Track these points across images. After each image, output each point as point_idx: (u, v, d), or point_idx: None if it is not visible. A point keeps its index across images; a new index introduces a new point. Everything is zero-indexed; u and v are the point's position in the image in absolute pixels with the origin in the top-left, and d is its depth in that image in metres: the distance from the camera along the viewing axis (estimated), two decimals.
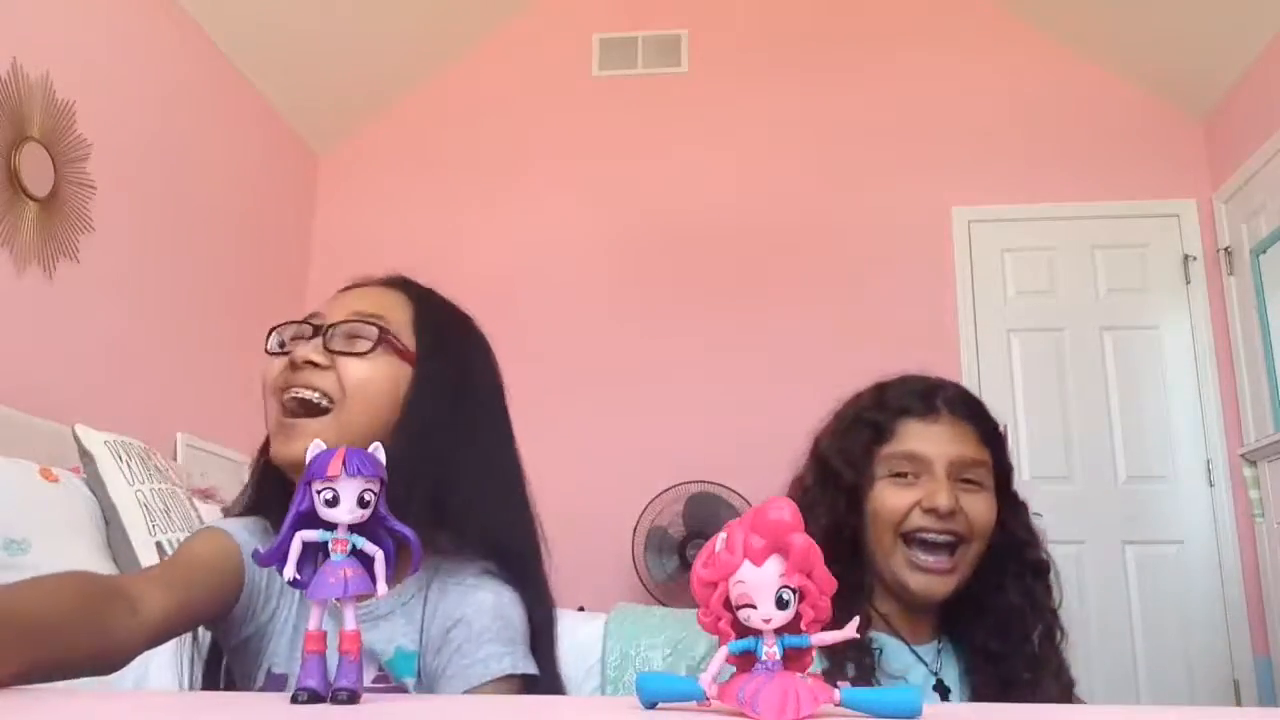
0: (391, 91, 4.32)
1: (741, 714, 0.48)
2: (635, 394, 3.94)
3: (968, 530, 1.06)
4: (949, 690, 1.10)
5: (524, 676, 0.87)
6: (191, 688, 0.96)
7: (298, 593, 0.57)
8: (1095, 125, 4.01)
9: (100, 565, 2.08)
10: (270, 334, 0.97)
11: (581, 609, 2.46)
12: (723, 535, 0.51)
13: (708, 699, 0.50)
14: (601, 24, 4.35)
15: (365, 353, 0.92)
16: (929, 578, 1.06)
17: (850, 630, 0.52)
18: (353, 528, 0.57)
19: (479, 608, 0.89)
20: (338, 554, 0.57)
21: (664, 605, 3.16)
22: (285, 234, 4.10)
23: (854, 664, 1.01)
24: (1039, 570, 1.12)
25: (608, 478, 3.75)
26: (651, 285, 4.07)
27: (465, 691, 0.84)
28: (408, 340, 0.95)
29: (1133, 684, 3.46)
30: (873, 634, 1.08)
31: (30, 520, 1.97)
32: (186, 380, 3.27)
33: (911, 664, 1.11)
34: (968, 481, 1.08)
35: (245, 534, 0.89)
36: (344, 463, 0.56)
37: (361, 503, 0.57)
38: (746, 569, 0.48)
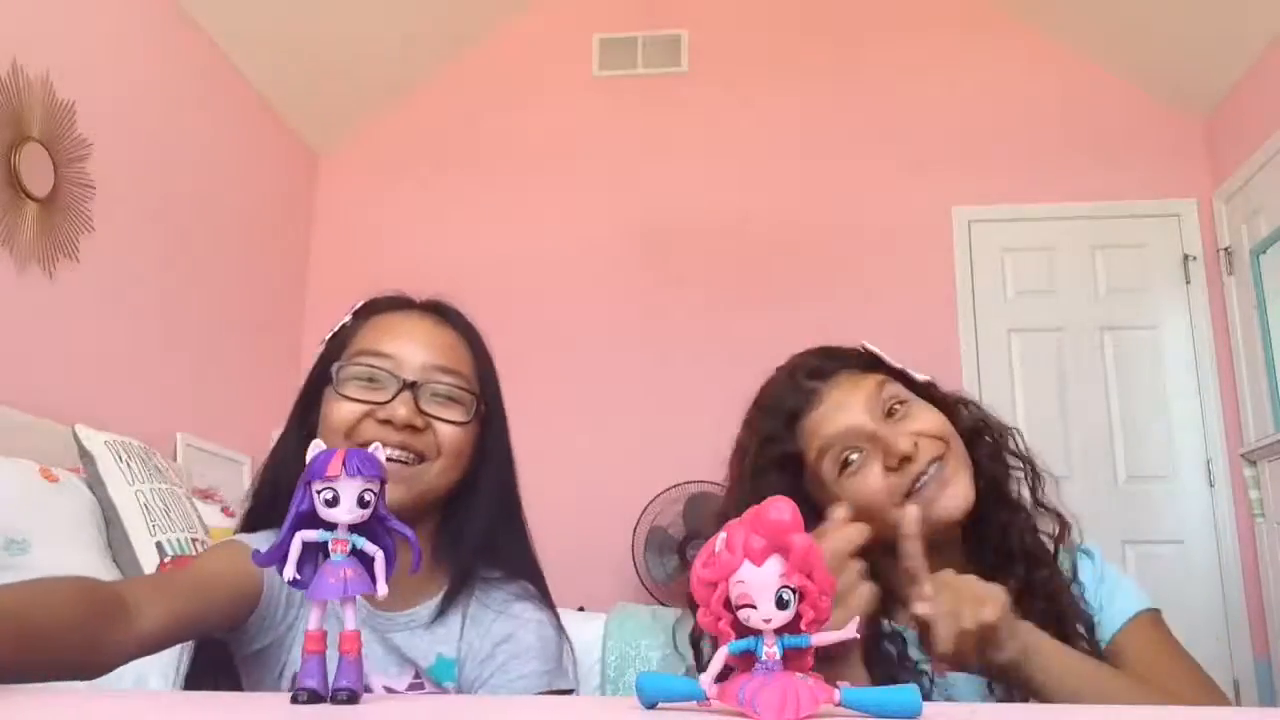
0: (391, 91, 4.32)
1: (741, 714, 0.48)
2: (635, 394, 3.94)
3: (938, 446, 0.95)
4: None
5: (559, 691, 0.95)
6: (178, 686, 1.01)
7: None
8: (1095, 125, 4.00)
9: (100, 565, 2.08)
10: (332, 369, 0.98)
11: (581, 609, 2.46)
12: (723, 535, 0.51)
13: (708, 699, 0.50)
14: (601, 24, 4.35)
15: (465, 422, 0.98)
16: (946, 493, 0.93)
17: (850, 630, 0.52)
18: (353, 528, 0.57)
19: (524, 628, 0.97)
20: (338, 554, 0.57)
21: (664, 605, 3.16)
22: (285, 234, 4.10)
23: (877, 653, 0.91)
24: (994, 454, 1.02)
25: (608, 478, 3.75)
26: (651, 285, 4.07)
27: None
28: (475, 391, 1.01)
29: None
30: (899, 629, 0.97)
31: (30, 520, 1.97)
32: (186, 380, 3.27)
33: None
34: (892, 412, 0.97)
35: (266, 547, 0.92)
36: (344, 463, 0.56)
37: (361, 503, 0.57)
38: (746, 569, 0.48)
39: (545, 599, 1.03)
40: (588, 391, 3.96)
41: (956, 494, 0.94)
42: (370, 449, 0.58)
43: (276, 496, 0.98)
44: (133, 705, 0.60)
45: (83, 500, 2.18)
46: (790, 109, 4.18)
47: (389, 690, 0.95)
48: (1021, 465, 1.04)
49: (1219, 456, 3.68)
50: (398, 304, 1.05)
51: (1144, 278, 3.90)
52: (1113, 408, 3.78)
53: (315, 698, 0.55)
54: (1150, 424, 3.75)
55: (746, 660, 0.50)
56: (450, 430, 0.96)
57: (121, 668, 0.74)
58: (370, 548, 0.58)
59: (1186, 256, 3.86)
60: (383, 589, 0.57)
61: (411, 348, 0.98)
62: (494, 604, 0.99)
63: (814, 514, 0.94)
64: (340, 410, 0.96)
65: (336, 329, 1.05)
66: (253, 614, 0.91)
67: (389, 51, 4.11)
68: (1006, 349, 3.90)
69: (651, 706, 0.52)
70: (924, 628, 0.81)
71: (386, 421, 0.94)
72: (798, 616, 0.49)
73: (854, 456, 0.96)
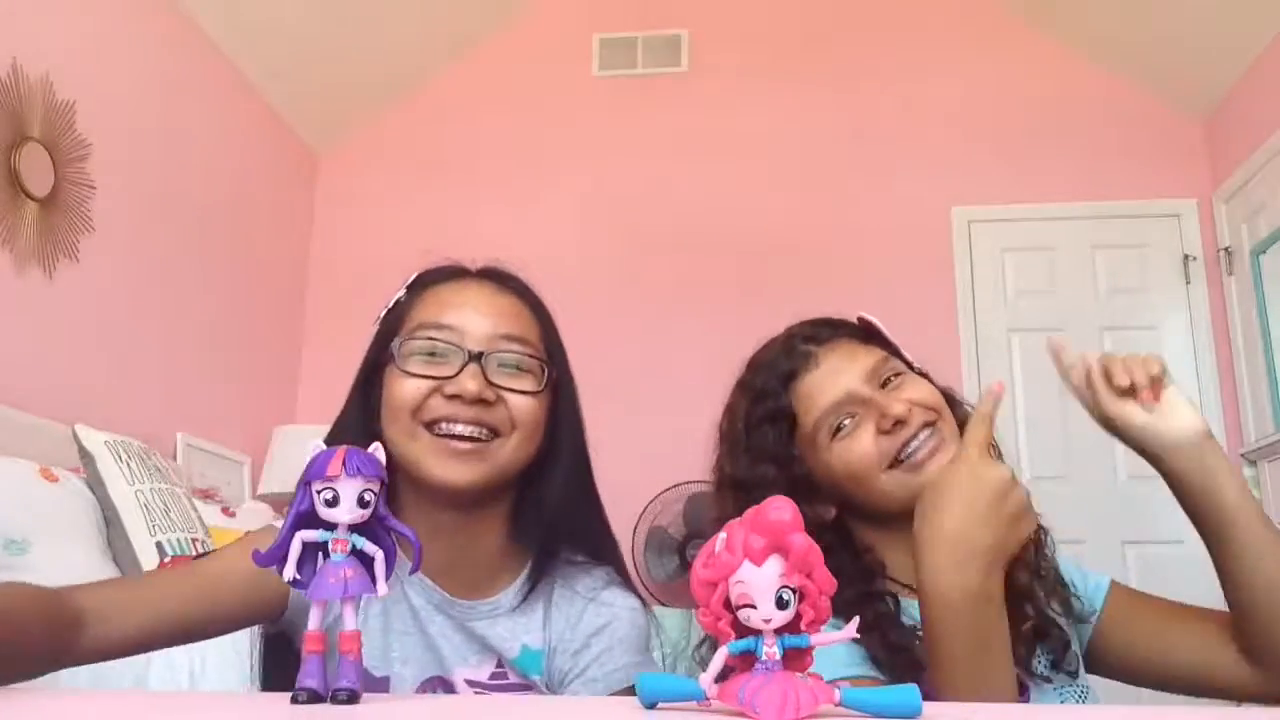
0: (391, 91, 4.32)
1: (741, 714, 0.48)
2: (635, 394, 3.94)
3: (931, 415, 0.95)
4: None
5: None
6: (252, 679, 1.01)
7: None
8: (1095, 125, 4.00)
9: (100, 565, 2.08)
10: (392, 346, 0.93)
11: None
12: (723, 535, 0.51)
13: (708, 699, 0.50)
14: (601, 24, 4.35)
15: (537, 392, 0.93)
16: (934, 460, 0.92)
17: (850, 630, 0.52)
18: (353, 528, 0.57)
19: (618, 618, 0.94)
20: (338, 554, 0.57)
21: (664, 605, 3.16)
22: (285, 234, 4.10)
23: (871, 612, 0.90)
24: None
25: (607, 478, 3.72)
26: (651, 284, 4.07)
27: (606, 694, 0.89)
28: (544, 359, 0.97)
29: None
30: (903, 604, 0.95)
31: (30, 520, 1.97)
32: (186, 380, 3.27)
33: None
34: (886, 382, 0.97)
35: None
36: (344, 463, 0.56)
37: (361, 503, 0.57)
38: (746, 569, 0.48)
39: (630, 582, 1.00)
40: (587, 391, 3.92)
41: (944, 461, 0.93)
42: (370, 449, 0.58)
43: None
44: (133, 705, 0.60)
45: (83, 500, 2.18)
46: (790, 109, 4.18)
47: (470, 683, 0.92)
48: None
49: None
50: (453, 273, 1.00)
51: (1144, 278, 3.90)
52: None
53: (315, 698, 0.55)
54: None
55: (746, 660, 0.50)
56: (523, 401, 0.92)
57: (127, 667, 0.74)
58: (370, 548, 0.58)
59: (1186, 256, 3.86)
60: (383, 589, 0.57)
61: (474, 317, 0.93)
62: (582, 590, 0.96)
63: (805, 477, 0.97)
64: (405, 387, 0.90)
65: (391, 304, 0.99)
66: (287, 608, 0.90)
67: (389, 51, 4.11)
68: (1007, 349, 3.90)
69: (651, 706, 0.52)
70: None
71: (455, 396, 0.89)
72: (798, 616, 0.49)
73: (846, 422, 0.95)
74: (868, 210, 4.05)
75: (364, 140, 4.37)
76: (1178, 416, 0.92)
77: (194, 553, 2.19)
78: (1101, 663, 1.02)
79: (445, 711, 0.60)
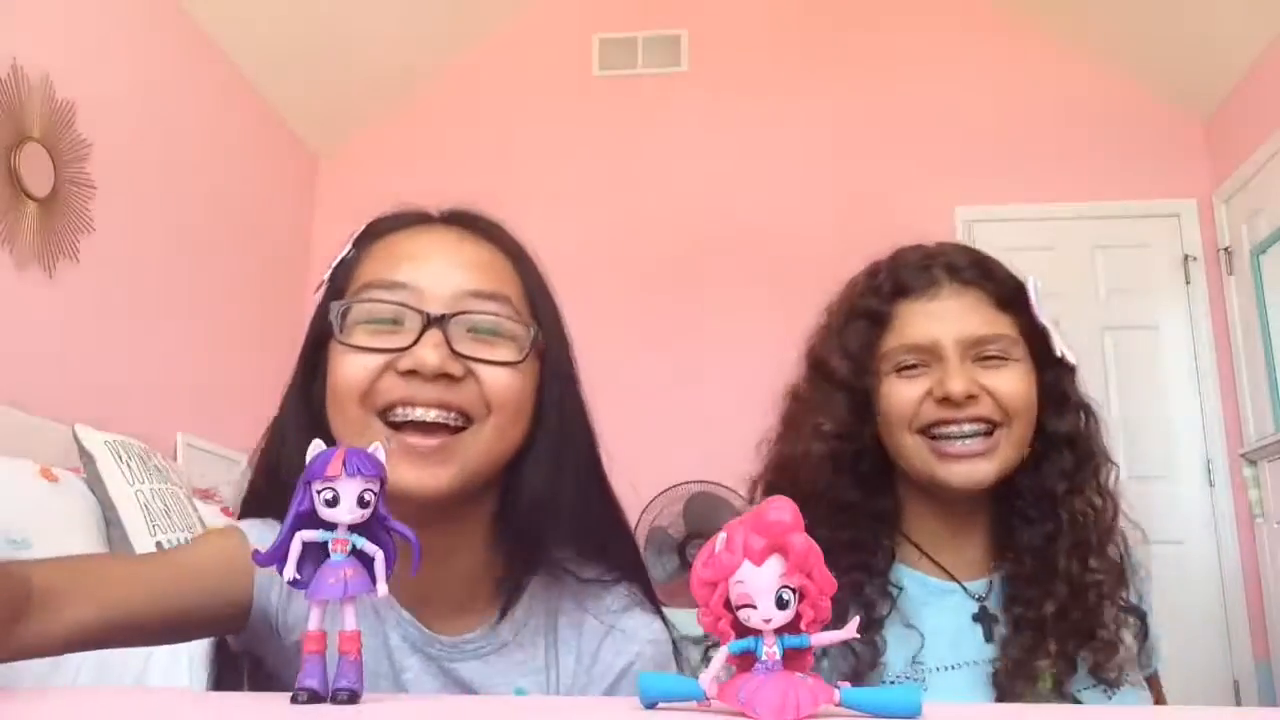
0: (391, 92, 4.32)
1: (741, 714, 0.48)
2: (635, 394, 3.93)
3: (998, 414, 0.90)
4: (996, 619, 0.94)
5: None
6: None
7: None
8: (1095, 125, 4.00)
9: None
10: (334, 311, 0.74)
11: None
12: (723, 535, 0.50)
13: (708, 699, 0.50)
14: (601, 24, 4.35)
15: (518, 362, 0.74)
16: (964, 465, 0.89)
17: (850, 630, 0.52)
18: (353, 528, 0.57)
19: (641, 656, 0.78)
20: (338, 554, 0.57)
21: (664, 605, 3.16)
22: (285, 234, 4.10)
23: (863, 613, 0.87)
24: (1073, 440, 0.94)
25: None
26: (651, 285, 4.06)
27: None
28: (527, 321, 0.77)
29: None
30: (896, 568, 0.94)
31: (30, 520, 1.97)
32: (186, 380, 3.27)
33: (943, 593, 0.96)
34: (989, 358, 0.92)
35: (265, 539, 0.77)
36: (344, 463, 0.56)
37: (361, 503, 0.56)
38: (746, 569, 0.48)
39: (653, 596, 0.83)
40: (587, 391, 3.95)
41: (975, 471, 0.90)
42: (370, 449, 0.58)
43: (275, 481, 0.77)
44: (133, 704, 0.60)
45: (83, 500, 2.18)
46: (791, 109, 4.18)
47: None
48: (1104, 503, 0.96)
49: (1219, 456, 3.68)
50: (410, 219, 0.82)
51: (1144, 278, 3.90)
52: (1113, 408, 3.77)
53: (315, 698, 0.55)
54: (1150, 424, 3.74)
55: (746, 660, 0.50)
56: (499, 375, 0.72)
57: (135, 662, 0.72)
58: (370, 548, 0.58)
59: (1187, 256, 3.86)
60: (383, 589, 0.57)
61: (435, 271, 0.74)
62: (597, 613, 0.79)
63: (864, 392, 0.93)
64: (349, 367, 0.72)
65: (335, 264, 0.81)
66: (253, 610, 0.75)
67: (389, 52, 4.11)
68: None
69: (651, 706, 0.52)
70: None
71: (411, 372, 0.70)
72: (798, 616, 0.49)
73: (915, 365, 0.92)
74: (869, 210, 4.04)
75: (364, 140, 4.37)
76: None
77: None
78: None
79: (445, 712, 0.61)
